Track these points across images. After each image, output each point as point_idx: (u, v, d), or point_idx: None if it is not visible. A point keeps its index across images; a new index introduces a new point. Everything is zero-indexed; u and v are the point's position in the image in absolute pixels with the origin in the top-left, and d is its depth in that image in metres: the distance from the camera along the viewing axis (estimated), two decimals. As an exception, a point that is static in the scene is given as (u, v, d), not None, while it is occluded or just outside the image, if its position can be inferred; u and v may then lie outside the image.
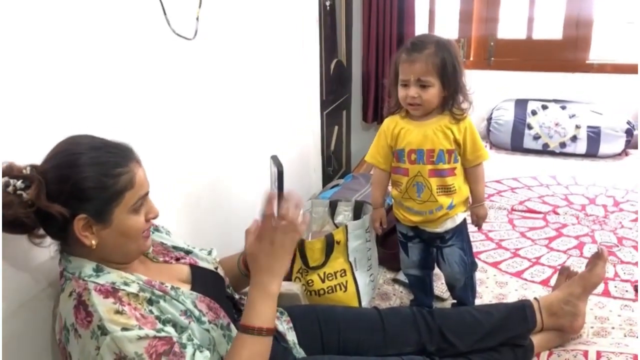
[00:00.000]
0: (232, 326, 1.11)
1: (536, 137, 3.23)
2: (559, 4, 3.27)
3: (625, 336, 1.60)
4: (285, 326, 1.32)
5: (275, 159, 1.08)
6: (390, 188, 1.67)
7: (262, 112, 2.02)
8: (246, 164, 1.88)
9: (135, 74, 1.30)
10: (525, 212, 2.49)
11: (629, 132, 3.11)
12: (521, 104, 3.31)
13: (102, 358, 0.88)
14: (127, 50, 1.26)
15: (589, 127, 3.13)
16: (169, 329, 0.95)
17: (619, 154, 3.16)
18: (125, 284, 0.97)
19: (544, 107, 3.26)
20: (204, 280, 1.16)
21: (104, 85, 1.20)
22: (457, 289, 1.69)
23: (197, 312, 1.04)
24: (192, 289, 1.10)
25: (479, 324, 1.44)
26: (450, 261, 1.62)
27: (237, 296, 1.27)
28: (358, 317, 1.44)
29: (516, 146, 3.28)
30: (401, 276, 1.91)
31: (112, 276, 0.97)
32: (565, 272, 1.66)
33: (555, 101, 3.28)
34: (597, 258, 1.58)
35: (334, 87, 2.82)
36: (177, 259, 1.18)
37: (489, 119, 3.34)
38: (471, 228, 1.68)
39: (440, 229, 1.58)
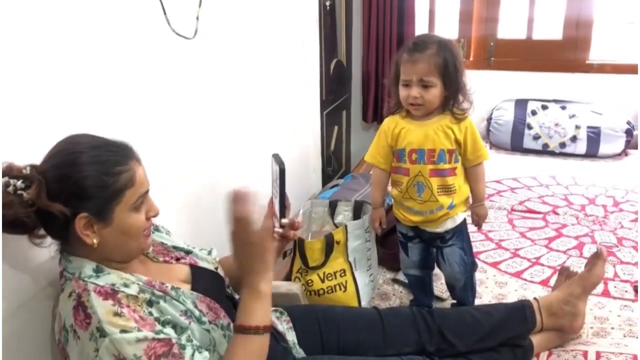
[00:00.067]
0: (232, 326, 1.11)
1: (536, 137, 3.24)
2: (559, 4, 3.27)
3: (624, 336, 1.60)
4: (285, 326, 1.32)
5: (276, 157, 1.08)
6: (390, 188, 1.67)
7: (262, 112, 2.02)
8: (246, 164, 1.88)
9: (135, 74, 1.30)
10: (525, 212, 2.50)
11: (629, 133, 3.11)
12: (521, 104, 3.31)
13: None
14: (127, 50, 1.26)
15: (588, 127, 3.13)
16: (168, 330, 0.95)
17: (619, 154, 3.16)
18: (125, 285, 0.97)
19: (544, 107, 3.26)
20: (204, 280, 1.16)
21: (104, 85, 1.20)
22: (457, 289, 1.69)
23: (197, 313, 1.04)
24: (193, 289, 1.10)
25: (478, 324, 1.44)
26: (451, 261, 1.62)
27: (237, 296, 1.27)
28: (358, 317, 1.44)
29: (516, 146, 3.28)
30: (401, 276, 1.91)
31: (111, 277, 0.97)
32: (565, 273, 1.67)
33: (555, 101, 3.28)
34: (597, 258, 1.58)
35: (334, 87, 2.81)
36: (177, 259, 1.17)
37: (489, 119, 3.35)
38: (471, 228, 1.68)
39: (440, 229, 1.58)
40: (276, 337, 1.23)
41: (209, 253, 1.27)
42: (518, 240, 2.25)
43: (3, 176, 0.90)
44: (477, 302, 1.76)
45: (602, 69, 3.27)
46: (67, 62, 1.09)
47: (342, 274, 1.74)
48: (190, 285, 1.12)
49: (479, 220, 1.64)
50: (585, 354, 1.49)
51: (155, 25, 1.35)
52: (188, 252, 1.22)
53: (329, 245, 1.73)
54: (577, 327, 1.55)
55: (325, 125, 2.72)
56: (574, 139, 3.16)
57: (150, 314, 0.95)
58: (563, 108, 3.24)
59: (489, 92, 3.29)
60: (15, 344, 1.01)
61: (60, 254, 1.00)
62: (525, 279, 1.96)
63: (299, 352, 1.29)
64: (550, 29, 3.35)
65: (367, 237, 1.80)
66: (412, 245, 1.66)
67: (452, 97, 1.48)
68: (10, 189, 0.88)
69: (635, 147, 3.18)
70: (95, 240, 0.94)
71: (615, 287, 1.86)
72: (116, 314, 0.90)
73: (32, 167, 0.92)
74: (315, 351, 1.32)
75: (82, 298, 0.92)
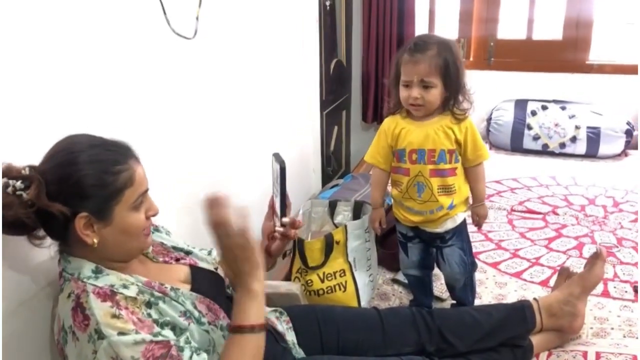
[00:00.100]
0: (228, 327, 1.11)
1: (536, 138, 3.24)
2: (559, 5, 3.27)
3: (624, 337, 1.60)
4: (284, 326, 1.32)
5: (277, 157, 1.09)
6: (390, 188, 1.67)
7: (262, 112, 2.02)
8: (246, 164, 1.88)
9: (135, 74, 1.30)
10: (525, 213, 2.50)
11: (629, 133, 3.11)
12: (521, 104, 3.31)
13: None
14: (127, 50, 1.26)
15: (588, 127, 3.13)
16: (167, 332, 0.95)
17: (619, 155, 3.16)
18: (124, 286, 0.96)
19: (544, 108, 3.26)
20: (203, 281, 1.15)
21: (104, 85, 1.20)
22: (457, 289, 1.69)
23: (196, 313, 1.04)
24: (192, 289, 1.10)
25: (478, 324, 1.44)
26: (450, 261, 1.62)
27: (236, 297, 1.27)
28: (357, 317, 1.44)
29: (516, 147, 3.28)
30: (400, 276, 1.91)
31: (111, 278, 0.97)
32: (564, 273, 1.67)
33: (555, 102, 3.28)
34: (596, 258, 1.58)
35: (333, 87, 2.81)
36: (177, 260, 1.17)
37: (489, 120, 3.35)
38: (471, 228, 1.68)
39: (440, 229, 1.58)
40: (276, 337, 1.23)
41: (209, 253, 1.27)
42: (518, 240, 2.25)
43: (2, 177, 0.89)
44: (477, 302, 1.76)
45: (602, 69, 3.27)
46: (66, 62, 1.09)
47: (342, 274, 1.74)
48: (190, 286, 1.12)
49: (479, 221, 1.64)
50: (585, 354, 1.49)
51: (155, 25, 1.35)
52: (188, 253, 1.22)
53: (329, 245, 1.73)
54: (576, 328, 1.55)
55: (325, 125, 2.72)
56: (573, 139, 3.16)
57: (149, 315, 0.95)
58: (563, 108, 3.24)
59: (489, 92, 3.29)
60: (15, 343, 1.01)
61: (59, 254, 1.00)
62: (525, 280, 1.96)
63: (298, 352, 1.29)
64: (550, 30, 3.35)
65: (367, 237, 1.80)
66: (412, 245, 1.66)
67: (453, 98, 1.48)
68: (10, 189, 0.88)
69: (635, 148, 3.18)
70: (95, 240, 0.94)
71: (615, 287, 1.86)
72: (114, 316, 0.90)
73: (31, 167, 0.92)
74: (315, 351, 1.32)
75: (81, 299, 0.92)
